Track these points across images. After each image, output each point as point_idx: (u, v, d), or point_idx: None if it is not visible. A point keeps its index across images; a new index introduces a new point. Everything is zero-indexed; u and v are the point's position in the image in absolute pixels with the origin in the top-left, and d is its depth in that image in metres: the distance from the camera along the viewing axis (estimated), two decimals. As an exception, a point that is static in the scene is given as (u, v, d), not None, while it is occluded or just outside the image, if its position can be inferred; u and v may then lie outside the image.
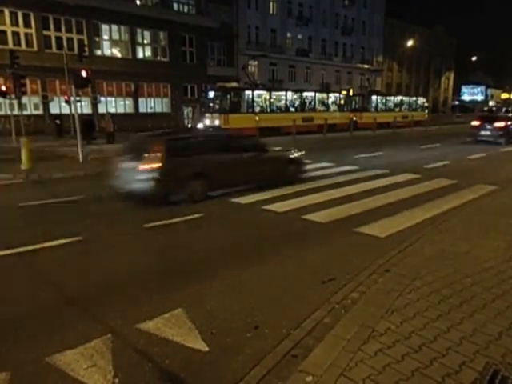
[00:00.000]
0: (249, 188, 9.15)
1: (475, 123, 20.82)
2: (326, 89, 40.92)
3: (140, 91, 30.47)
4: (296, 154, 10.27)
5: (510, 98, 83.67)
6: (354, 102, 33.75)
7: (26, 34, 25.33)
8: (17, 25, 24.97)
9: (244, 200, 8.37)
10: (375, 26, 51.80)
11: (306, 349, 3.12)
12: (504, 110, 59.91)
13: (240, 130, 23.04)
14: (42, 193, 9.36)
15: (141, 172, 7.63)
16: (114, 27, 28.97)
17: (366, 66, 50.96)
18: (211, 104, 25.28)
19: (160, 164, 7.63)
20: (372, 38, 51.64)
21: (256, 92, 26.15)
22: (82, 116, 21.17)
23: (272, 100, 27.04)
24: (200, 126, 28.88)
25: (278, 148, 10.52)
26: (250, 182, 9.26)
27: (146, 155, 7.73)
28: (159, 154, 7.69)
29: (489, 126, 20.10)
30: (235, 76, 33.22)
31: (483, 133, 20.22)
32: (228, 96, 24.42)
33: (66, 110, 25.20)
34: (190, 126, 29.67)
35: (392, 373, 2.76)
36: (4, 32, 24.49)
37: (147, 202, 7.89)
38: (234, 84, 27.37)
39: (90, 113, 27.39)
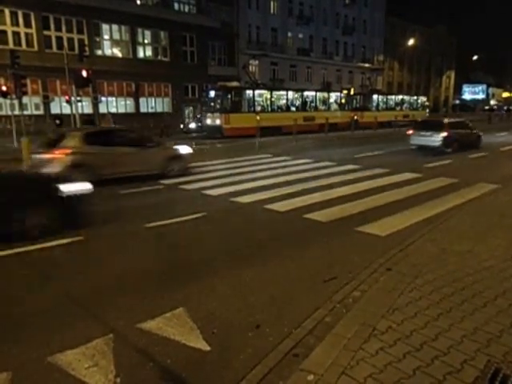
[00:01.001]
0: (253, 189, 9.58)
1: None
2: (327, 88, 40.88)
3: (141, 91, 30.44)
4: (480, 133, 17.78)
5: (510, 97, 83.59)
6: (355, 101, 33.71)
7: (27, 34, 25.30)
8: (17, 25, 24.94)
9: (245, 199, 8.37)
10: (376, 25, 51.70)
11: (308, 348, 3.11)
12: (506, 108, 59.83)
13: (242, 129, 23.12)
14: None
15: (437, 137, 15.34)
16: (115, 27, 28.95)
17: (366, 65, 50.88)
18: (212, 103, 25.28)
19: (447, 133, 15.38)
20: (373, 37, 51.55)
21: (257, 91, 26.11)
22: (82, 116, 21.24)
23: (273, 99, 27.01)
24: (192, 125, 29.03)
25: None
26: (467, 146, 16.29)
27: (439, 129, 15.56)
28: (447, 128, 15.51)
29: None
30: (236, 75, 33.17)
31: None
32: (229, 95, 24.38)
33: (66, 110, 25.18)
34: (182, 125, 29.66)
35: (393, 371, 2.76)
36: (4, 32, 24.46)
37: (434, 152, 15.07)
38: (235, 83, 27.33)
39: (90, 113, 27.36)
